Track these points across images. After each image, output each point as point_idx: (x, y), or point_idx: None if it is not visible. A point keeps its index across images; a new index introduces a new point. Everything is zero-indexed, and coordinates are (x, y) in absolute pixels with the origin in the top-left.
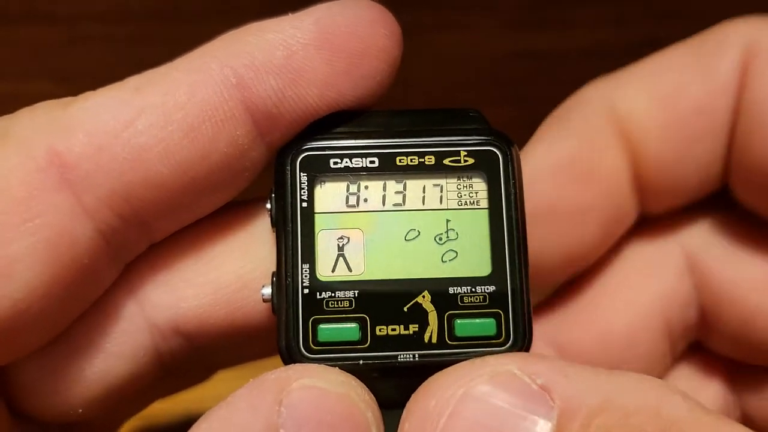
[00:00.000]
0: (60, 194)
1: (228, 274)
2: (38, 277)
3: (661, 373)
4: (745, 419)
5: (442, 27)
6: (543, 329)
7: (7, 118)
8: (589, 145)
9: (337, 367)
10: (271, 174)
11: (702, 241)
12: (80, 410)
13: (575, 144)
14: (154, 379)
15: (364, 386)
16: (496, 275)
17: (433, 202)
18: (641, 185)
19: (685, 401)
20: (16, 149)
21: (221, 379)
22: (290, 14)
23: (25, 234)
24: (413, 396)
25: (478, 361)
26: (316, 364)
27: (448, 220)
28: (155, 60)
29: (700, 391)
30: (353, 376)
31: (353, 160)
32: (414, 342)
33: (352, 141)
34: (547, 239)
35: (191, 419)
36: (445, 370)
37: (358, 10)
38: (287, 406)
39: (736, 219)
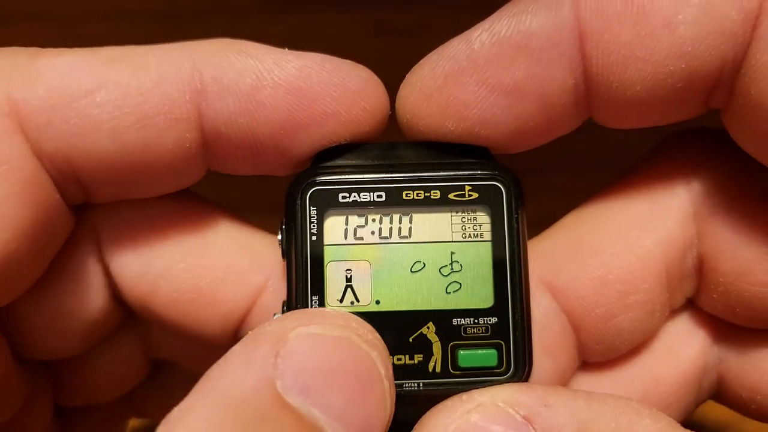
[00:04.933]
0: (19, 137)
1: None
2: (20, 217)
3: (657, 325)
4: (721, 381)
5: (442, 27)
6: (541, 272)
7: None
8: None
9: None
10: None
11: (710, 188)
12: (62, 348)
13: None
14: (120, 322)
15: (367, 324)
16: (498, 307)
17: (438, 234)
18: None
19: (654, 424)
20: None
21: None
22: (287, 50)
23: (1, 179)
24: None
25: (465, 396)
26: (316, 308)
27: (452, 252)
28: None
29: (683, 349)
30: (354, 316)
31: (361, 194)
32: (418, 371)
33: (360, 176)
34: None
35: None
36: (435, 407)
37: (348, 74)
38: (284, 357)
39: (744, 168)
